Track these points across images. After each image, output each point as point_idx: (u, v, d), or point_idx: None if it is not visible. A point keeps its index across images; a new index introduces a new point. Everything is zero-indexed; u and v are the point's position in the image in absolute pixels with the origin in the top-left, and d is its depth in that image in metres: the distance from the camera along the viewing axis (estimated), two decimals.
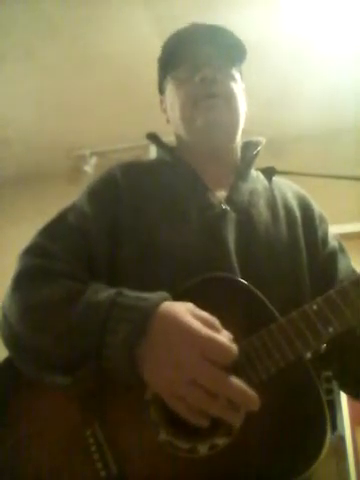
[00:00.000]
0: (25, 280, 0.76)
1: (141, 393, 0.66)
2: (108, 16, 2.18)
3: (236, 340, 0.63)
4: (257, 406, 0.59)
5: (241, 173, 0.91)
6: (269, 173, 0.95)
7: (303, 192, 0.98)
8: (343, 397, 2.30)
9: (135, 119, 2.77)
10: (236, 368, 0.62)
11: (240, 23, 2.25)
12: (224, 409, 0.60)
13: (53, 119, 2.82)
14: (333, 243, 0.92)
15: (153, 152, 2.98)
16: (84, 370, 0.64)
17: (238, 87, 0.93)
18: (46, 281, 0.74)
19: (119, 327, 0.62)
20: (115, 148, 3.10)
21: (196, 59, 0.90)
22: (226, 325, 0.65)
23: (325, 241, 0.91)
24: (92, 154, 3.14)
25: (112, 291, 0.67)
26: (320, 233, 0.91)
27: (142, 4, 2.12)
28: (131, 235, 0.81)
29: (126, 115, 2.78)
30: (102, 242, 0.80)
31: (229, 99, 0.89)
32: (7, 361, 0.75)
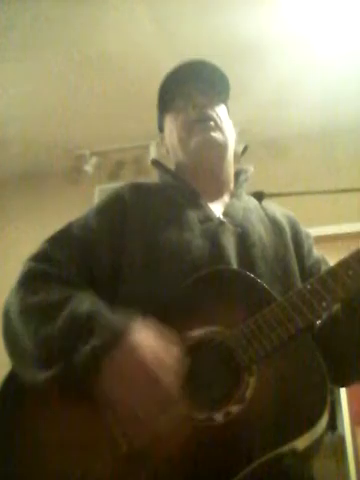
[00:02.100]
0: (27, 281, 0.85)
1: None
2: (108, 16, 2.18)
3: (242, 321, 0.75)
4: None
5: (235, 193, 1.05)
6: (258, 196, 1.09)
7: (290, 213, 1.11)
8: (343, 397, 2.31)
9: (135, 119, 2.77)
10: (242, 344, 0.73)
11: (240, 23, 2.25)
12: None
13: (53, 119, 2.82)
14: (317, 255, 1.04)
15: (153, 152, 2.98)
16: (55, 371, 0.70)
17: (226, 114, 1.06)
18: (44, 284, 0.83)
19: (91, 339, 0.70)
20: (115, 148, 3.11)
21: (189, 92, 1.04)
22: (232, 310, 0.76)
23: (310, 252, 1.03)
24: (92, 154, 3.14)
25: (90, 308, 0.75)
26: (306, 246, 1.03)
27: (142, 4, 2.13)
28: (136, 240, 0.90)
29: (126, 115, 2.78)
30: (104, 253, 0.89)
31: (220, 122, 1.02)
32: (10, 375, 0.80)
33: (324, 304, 0.74)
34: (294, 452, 0.68)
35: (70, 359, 0.69)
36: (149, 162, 3.09)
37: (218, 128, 1.01)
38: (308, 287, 0.75)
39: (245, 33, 2.26)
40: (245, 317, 0.75)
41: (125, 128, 2.90)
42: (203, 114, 1.01)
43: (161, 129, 1.15)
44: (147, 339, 0.71)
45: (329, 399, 0.69)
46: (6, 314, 0.83)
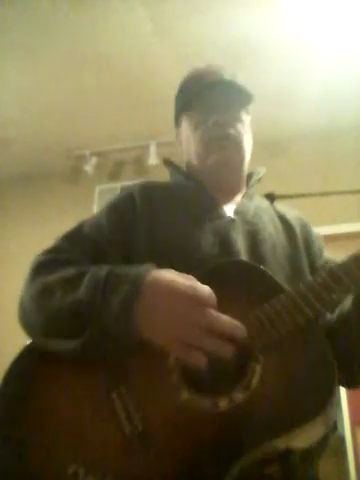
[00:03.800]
0: (40, 269, 0.86)
1: (163, 360, 0.74)
2: (108, 16, 2.18)
3: (250, 310, 0.74)
4: (243, 333, 0.70)
5: (246, 193, 1.05)
6: (270, 197, 1.09)
7: (301, 215, 1.11)
8: (343, 397, 2.31)
9: (135, 119, 2.77)
10: (250, 333, 0.72)
11: (240, 23, 2.25)
12: (218, 343, 0.69)
13: (53, 119, 2.82)
14: (328, 256, 1.04)
15: (153, 152, 2.98)
16: (88, 335, 0.72)
17: (244, 126, 1.05)
18: (58, 267, 0.84)
19: (117, 290, 0.73)
20: (115, 148, 3.11)
21: (210, 105, 1.02)
22: (242, 301, 0.77)
23: (321, 253, 1.04)
24: (92, 154, 3.14)
25: (106, 269, 0.78)
26: (316, 246, 1.04)
27: (142, 4, 2.13)
28: (145, 238, 0.91)
29: (126, 115, 2.79)
30: (115, 252, 0.90)
31: (238, 141, 1.02)
32: (28, 348, 0.83)
33: (334, 296, 0.73)
34: (297, 450, 0.68)
35: (101, 317, 0.72)
36: (150, 162, 3.08)
37: (237, 146, 1.02)
38: (318, 279, 0.75)
39: (245, 33, 2.26)
40: (253, 307, 0.75)
41: (125, 128, 2.90)
42: (223, 132, 1.00)
43: (177, 123, 1.13)
44: (169, 272, 0.74)
45: (335, 396, 0.68)
46: (22, 304, 0.84)
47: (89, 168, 3.11)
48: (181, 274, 0.74)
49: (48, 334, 0.79)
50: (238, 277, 0.81)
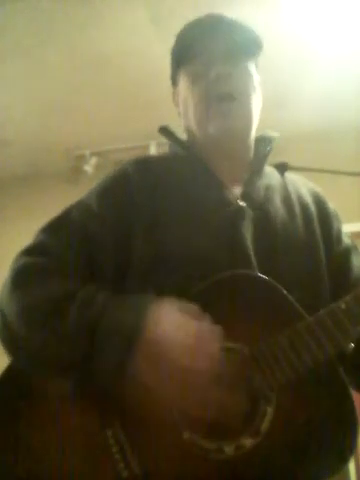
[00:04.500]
0: (22, 278, 0.74)
1: None
2: (108, 16, 2.18)
3: (261, 338, 0.64)
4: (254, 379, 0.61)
5: (255, 169, 0.89)
6: (282, 169, 0.93)
7: (317, 189, 0.97)
8: None
9: (135, 119, 2.77)
10: (262, 367, 0.63)
11: None
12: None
13: (53, 119, 2.82)
14: (347, 241, 0.92)
15: (153, 152, 2.98)
16: (77, 373, 0.63)
17: (253, 82, 0.91)
18: (41, 280, 0.72)
19: (110, 346, 0.62)
20: (115, 148, 3.10)
21: (211, 53, 0.86)
22: (249, 323, 0.65)
23: (339, 238, 0.90)
24: (92, 154, 3.14)
25: (97, 307, 0.65)
26: (335, 230, 0.90)
27: (142, 4, 2.12)
28: (144, 235, 0.78)
29: (126, 115, 2.78)
30: (108, 245, 0.78)
31: (243, 100, 0.87)
32: (10, 370, 0.73)
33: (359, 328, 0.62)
34: None
35: (93, 367, 0.62)
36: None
37: (241, 107, 0.86)
38: (342, 306, 0.63)
39: None
40: (265, 333, 0.64)
41: (125, 128, 2.89)
42: (227, 88, 0.84)
43: (174, 82, 0.97)
44: (170, 315, 0.63)
45: (355, 446, 0.60)
46: (2, 318, 0.72)
47: (89, 168, 3.11)
48: (183, 312, 0.63)
49: (34, 363, 0.69)
50: (248, 295, 0.69)
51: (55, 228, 0.81)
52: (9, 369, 0.73)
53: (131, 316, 0.63)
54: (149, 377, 0.61)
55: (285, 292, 0.68)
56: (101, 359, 0.62)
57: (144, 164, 0.88)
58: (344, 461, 0.60)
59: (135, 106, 2.66)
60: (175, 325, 0.62)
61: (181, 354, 0.60)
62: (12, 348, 0.71)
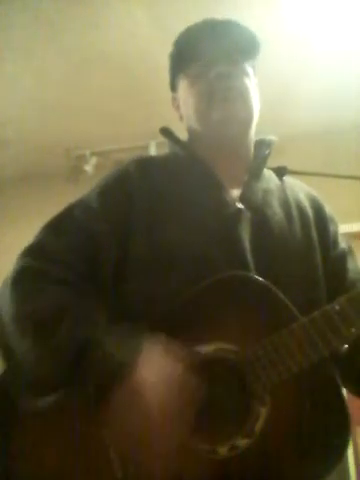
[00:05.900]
0: (21, 282, 0.75)
1: None
2: (108, 16, 2.18)
3: (256, 339, 0.64)
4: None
5: (254, 172, 0.90)
6: (281, 172, 0.95)
7: (314, 193, 0.98)
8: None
9: (135, 119, 2.77)
10: (256, 369, 0.63)
11: (240, 22, 2.25)
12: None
13: (53, 119, 2.82)
14: (343, 244, 0.93)
15: (153, 152, 2.98)
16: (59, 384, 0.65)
17: (251, 82, 0.93)
18: (39, 287, 0.73)
19: (89, 370, 0.63)
20: (115, 148, 3.10)
21: (210, 55, 0.89)
22: (245, 324, 0.66)
23: (336, 242, 0.92)
24: (92, 154, 3.14)
25: (91, 329, 0.67)
26: (331, 234, 0.92)
27: (142, 4, 2.12)
28: (142, 235, 0.79)
29: (126, 115, 2.78)
30: (109, 244, 0.78)
31: (244, 94, 0.89)
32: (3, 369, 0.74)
33: (353, 330, 0.63)
34: None
35: (71, 390, 0.64)
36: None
37: (242, 99, 0.88)
38: (336, 308, 0.64)
39: None
40: (260, 334, 0.65)
41: (125, 128, 2.89)
42: (228, 83, 0.87)
43: (173, 88, 0.99)
44: (152, 379, 0.63)
45: (348, 444, 0.62)
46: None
47: (89, 168, 3.11)
48: (170, 358, 0.64)
49: (22, 366, 0.70)
50: (244, 296, 0.70)
51: (57, 227, 0.82)
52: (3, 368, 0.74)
53: (123, 352, 0.65)
54: (122, 406, 0.62)
55: (281, 294, 0.69)
56: (83, 377, 0.63)
57: (144, 164, 0.89)
58: (339, 457, 0.61)
59: (135, 106, 2.66)
60: (159, 375, 0.63)
61: (154, 403, 0.61)
62: (1, 343, 0.73)
